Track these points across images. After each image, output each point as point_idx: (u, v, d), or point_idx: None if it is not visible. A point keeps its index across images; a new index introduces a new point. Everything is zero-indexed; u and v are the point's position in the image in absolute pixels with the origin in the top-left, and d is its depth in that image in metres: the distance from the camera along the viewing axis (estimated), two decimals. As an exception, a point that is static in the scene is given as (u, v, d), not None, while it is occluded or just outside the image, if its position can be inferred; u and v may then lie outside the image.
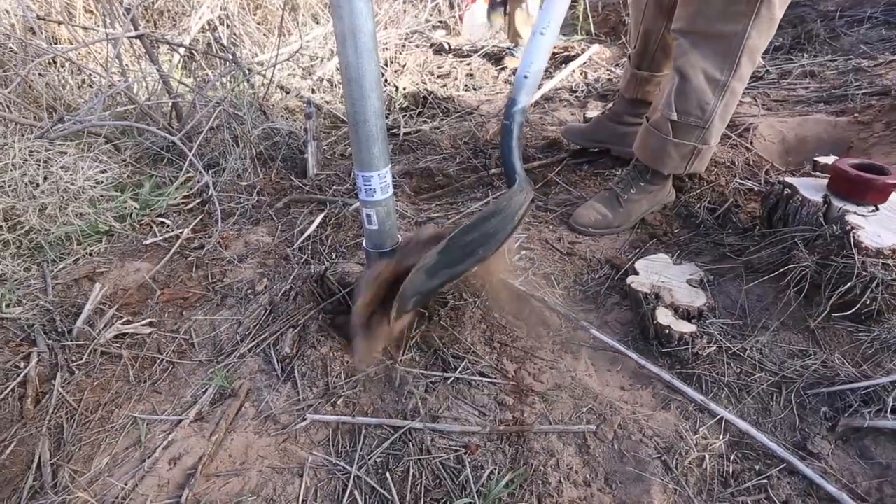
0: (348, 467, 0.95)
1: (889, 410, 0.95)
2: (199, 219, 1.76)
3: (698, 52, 1.28)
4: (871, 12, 2.84)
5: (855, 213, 1.16)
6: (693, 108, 1.34)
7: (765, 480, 0.90)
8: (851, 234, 1.09)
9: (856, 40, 2.66)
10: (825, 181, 1.29)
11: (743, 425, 0.97)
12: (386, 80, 2.77)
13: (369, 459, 0.96)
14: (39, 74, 2.27)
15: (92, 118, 1.82)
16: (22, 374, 1.15)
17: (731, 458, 0.94)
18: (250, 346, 1.22)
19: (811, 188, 1.27)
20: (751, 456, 0.95)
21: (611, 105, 1.93)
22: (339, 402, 1.07)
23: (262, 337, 1.24)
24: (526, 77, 1.02)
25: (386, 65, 2.88)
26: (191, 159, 1.75)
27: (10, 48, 2.23)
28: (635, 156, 1.56)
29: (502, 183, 1.85)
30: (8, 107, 1.99)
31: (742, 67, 1.27)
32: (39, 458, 0.99)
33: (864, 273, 1.05)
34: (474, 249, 1.04)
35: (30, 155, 1.70)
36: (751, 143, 1.88)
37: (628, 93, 1.79)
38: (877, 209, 1.18)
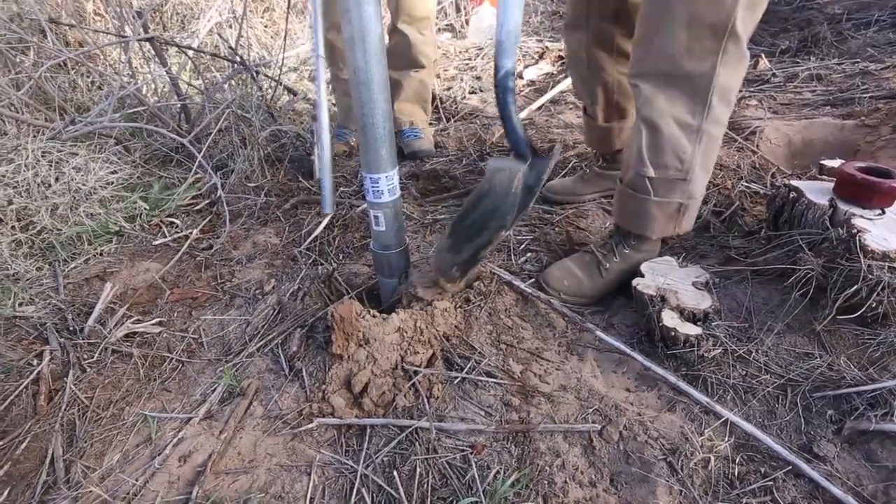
0: (355, 466, 0.96)
1: (895, 414, 0.95)
2: (207, 219, 1.78)
3: (664, 96, 1.14)
4: (879, 15, 2.83)
5: (861, 216, 1.17)
6: (670, 159, 1.19)
7: (770, 482, 0.90)
8: (857, 238, 1.09)
9: (863, 43, 2.66)
10: (831, 185, 1.29)
11: (748, 427, 0.98)
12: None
13: (376, 458, 0.97)
14: (51, 76, 2.30)
15: (103, 120, 1.84)
16: (35, 372, 1.17)
17: (737, 459, 0.94)
18: (258, 345, 1.23)
19: (817, 191, 1.28)
20: (756, 458, 0.95)
21: (600, 162, 1.74)
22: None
23: (271, 336, 1.25)
24: (501, 41, 1.00)
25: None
26: (200, 161, 1.77)
27: (22, 51, 2.26)
28: (615, 221, 1.39)
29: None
30: (20, 109, 2.01)
31: (715, 109, 1.13)
32: (52, 453, 1.01)
33: (870, 276, 1.05)
34: (483, 226, 1.09)
35: (42, 156, 1.73)
36: (756, 146, 1.88)
37: (609, 148, 1.66)
38: (883, 213, 1.18)
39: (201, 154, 1.77)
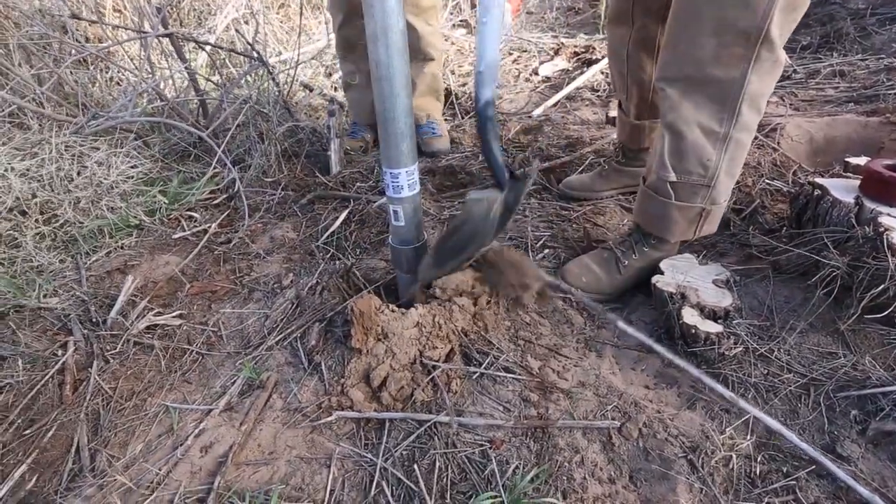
0: (375, 459, 0.97)
1: (922, 415, 0.93)
2: (225, 214, 1.79)
3: (689, 102, 1.11)
4: (904, 10, 2.77)
5: (888, 214, 1.14)
6: (693, 166, 1.17)
7: (793, 482, 0.89)
8: (884, 236, 1.07)
9: (888, 39, 2.60)
10: (857, 182, 1.26)
11: (773, 424, 0.96)
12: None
13: (395, 452, 0.98)
14: (71, 72, 2.33)
15: (124, 115, 1.86)
16: (60, 362, 1.19)
17: (759, 458, 0.93)
18: (277, 339, 1.24)
19: (842, 189, 1.25)
20: (778, 457, 0.94)
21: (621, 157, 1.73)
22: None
23: (289, 330, 1.26)
24: (481, 72, 1.00)
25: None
26: (219, 155, 1.79)
27: (44, 46, 2.29)
28: (635, 220, 1.38)
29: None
30: (43, 103, 2.04)
31: (744, 116, 1.09)
32: (78, 442, 1.03)
33: (898, 275, 1.04)
34: (464, 247, 1.15)
35: (65, 150, 1.75)
36: (778, 143, 1.86)
37: (634, 144, 1.65)
38: (911, 211, 1.16)
39: (220, 149, 1.78)
